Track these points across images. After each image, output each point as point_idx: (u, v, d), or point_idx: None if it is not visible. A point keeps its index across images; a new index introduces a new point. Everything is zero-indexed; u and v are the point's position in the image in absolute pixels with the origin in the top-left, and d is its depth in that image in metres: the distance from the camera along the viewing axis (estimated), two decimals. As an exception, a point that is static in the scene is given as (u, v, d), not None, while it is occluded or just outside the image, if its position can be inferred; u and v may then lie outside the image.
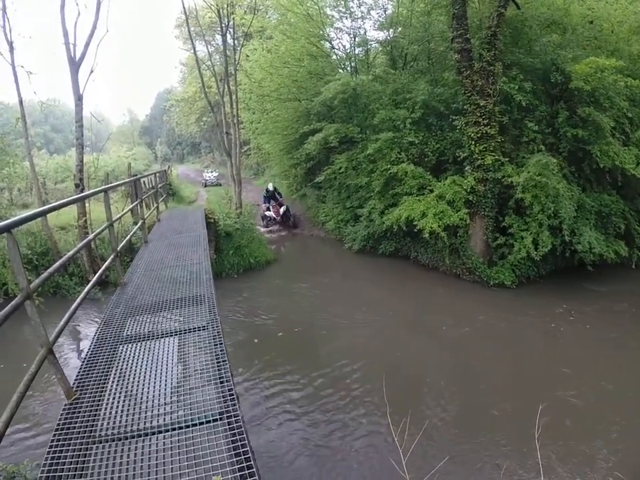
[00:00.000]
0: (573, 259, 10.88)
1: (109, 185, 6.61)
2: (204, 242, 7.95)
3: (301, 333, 8.69)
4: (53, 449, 2.47)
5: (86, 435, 2.61)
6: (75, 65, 9.59)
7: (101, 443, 2.55)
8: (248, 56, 18.54)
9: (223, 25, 14.03)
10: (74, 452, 2.44)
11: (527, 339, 8.45)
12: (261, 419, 5.90)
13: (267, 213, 18.47)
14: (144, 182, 12.16)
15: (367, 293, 11.15)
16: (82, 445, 2.50)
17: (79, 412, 2.84)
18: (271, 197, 18.77)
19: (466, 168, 11.74)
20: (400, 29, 15.16)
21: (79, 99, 9.75)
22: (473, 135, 11.21)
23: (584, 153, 11.15)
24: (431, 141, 12.92)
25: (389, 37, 15.81)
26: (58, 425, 2.72)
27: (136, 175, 12.60)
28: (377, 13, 15.84)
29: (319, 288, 11.49)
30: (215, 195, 23.77)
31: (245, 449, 2.39)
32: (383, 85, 14.25)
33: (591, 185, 11.54)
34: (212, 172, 34.71)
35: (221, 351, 3.57)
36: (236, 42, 14.99)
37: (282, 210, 18.33)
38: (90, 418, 2.78)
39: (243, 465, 2.28)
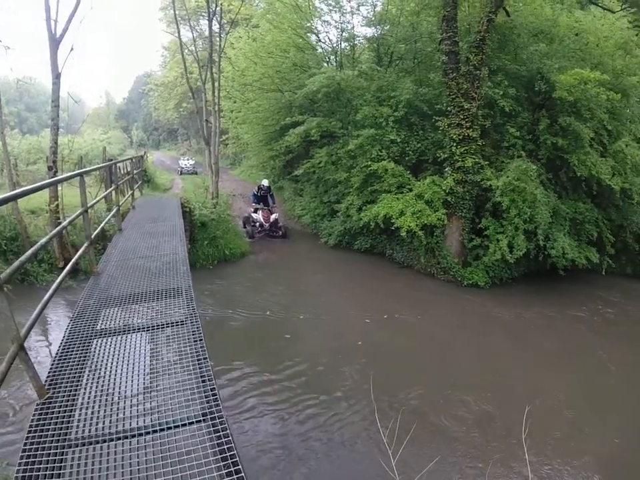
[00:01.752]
0: (545, 263, 11.12)
1: (85, 169, 6.35)
2: (180, 232, 7.75)
3: (277, 328, 8.55)
4: (27, 453, 2.32)
5: (61, 437, 2.46)
6: (55, 42, 9.15)
7: (77, 446, 2.40)
8: (232, 43, 18.23)
9: (210, 10, 13.68)
10: (49, 456, 2.29)
11: (499, 340, 8.64)
12: (240, 421, 5.71)
13: (255, 216, 15.55)
14: (119, 167, 11.82)
15: (342, 289, 11.14)
16: (57, 448, 2.35)
17: (53, 412, 2.67)
18: (262, 197, 15.94)
19: (446, 169, 11.86)
20: (388, 26, 15.12)
21: (57, 77, 9.31)
22: (455, 136, 11.32)
23: (562, 161, 11.42)
24: (412, 140, 12.96)
25: (376, 34, 15.76)
26: (30, 426, 2.55)
27: (112, 160, 12.24)
28: (366, 9, 15.80)
29: (294, 282, 11.42)
30: (190, 184, 23.40)
31: (232, 452, 2.29)
32: (368, 82, 14.22)
33: (566, 192, 11.81)
34: (188, 160, 34.07)
35: (201, 347, 3.44)
36: (221, 28, 14.65)
37: (273, 217, 15.52)
38: (64, 419, 2.62)
39: (230, 470, 2.18)
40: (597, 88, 10.58)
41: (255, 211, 15.64)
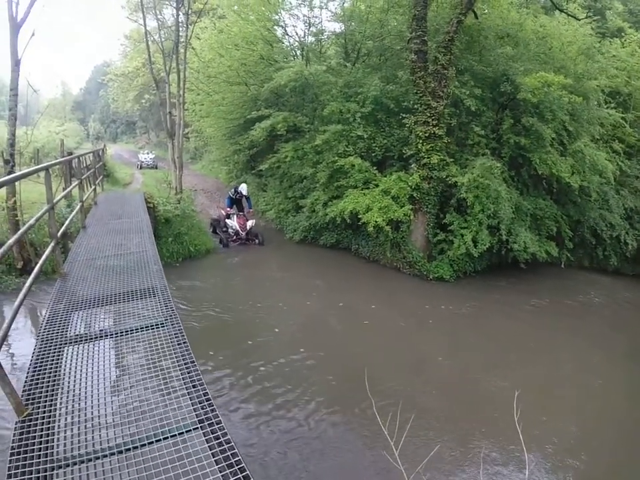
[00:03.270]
0: (507, 256, 11.60)
1: (51, 162, 6.02)
2: (147, 228, 7.52)
3: (250, 326, 8.44)
4: (12, 479, 2.16)
5: (47, 457, 2.30)
6: (16, 26, 8.50)
7: (67, 465, 2.25)
8: (198, 34, 17.78)
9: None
10: (38, 480, 2.13)
11: (469, 330, 8.94)
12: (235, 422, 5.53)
13: (229, 222, 14.11)
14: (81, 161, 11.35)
15: (309, 284, 11.06)
16: (45, 470, 2.20)
17: (35, 430, 2.50)
18: (237, 200, 14.66)
19: (412, 165, 12.04)
20: (353, 23, 15.08)
21: (16, 64, 8.68)
22: (421, 133, 11.49)
23: (524, 160, 11.86)
24: (379, 136, 13.07)
25: (343, 30, 15.73)
26: (12, 447, 2.39)
27: (71, 153, 11.71)
28: (334, 5, 15.74)
29: (262, 278, 11.30)
30: (151, 178, 22.78)
31: (237, 458, 2.22)
32: (335, 77, 14.18)
33: (527, 189, 12.29)
34: (148, 153, 33.20)
35: (186, 350, 3.33)
36: (188, 18, 14.17)
37: (249, 224, 14.05)
38: (48, 437, 2.46)
39: (238, 476, 2.12)
40: (559, 91, 11.06)
41: (229, 216, 14.31)
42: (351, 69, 14.59)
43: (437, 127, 11.35)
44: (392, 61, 14.07)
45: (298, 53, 17.33)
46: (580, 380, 7.24)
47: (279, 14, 16.56)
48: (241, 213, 14.40)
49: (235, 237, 13.96)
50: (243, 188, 14.51)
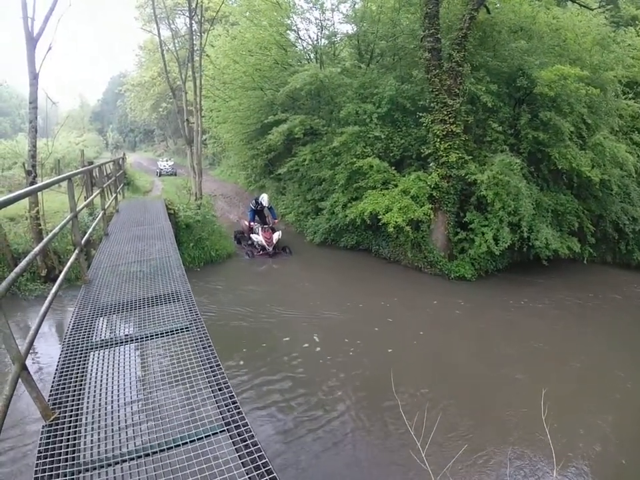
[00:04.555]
0: (528, 253, 11.45)
1: (72, 172, 6.14)
2: (169, 234, 7.59)
3: (273, 329, 8.45)
4: None
5: (74, 461, 2.32)
6: (32, 41, 8.70)
7: (94, 469, 2.27)
8: (212, 42, 17.95)
9: (192, 7, 13.34)
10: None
11: (494, 328, 8.85)
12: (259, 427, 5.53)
13: (255, 237, 13.50)
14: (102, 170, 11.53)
15: (332, 287, 11.07)
16: (72, 473, 2.22)
17: (62, 434, 2.52)
18: (259, 211, 14.14)
19: (430, 164, 11.96)
20: (365, 24, 15.03)
21: (34, 77, 8.89)
22: (438, 132, 11.43)
23: (543, 155, 11.69)
24: (396, 136, 13.04)
25: (356, 31, 15.72)
26: (39, 451, 2.40)
27: (91, 163, 11.91)
28: (346, 7, 15.71)
29: (284, 282, 11.34)
30: (171, 185, 23.05)
31: (264, 461, 2.22)
32: (350, 79, 14.16)
33: (547, 185, 12.12)
34: (167, 161, 33.56)
35: (211, 354, 3.34)
36: (202, 26, 14.36)
37: (275, 237, 13.36)
38: (75, 440, 2.48)
39: (265, 479, 2.11)
40: (576, 83, 10.85)
41: (252, 229, 13.83)
42: (366, 70, 14.60)
43: (454, 125, 11.28)
44: (406, 60, 13.98)
45: (312, 56, 17.35)
46: (610, 378, 7.08)
47: (291, 18, 16.60)
48: (265, 226, 13.72)
49: (261, 252, 13.33)
50: (264, 199, 13.85)
